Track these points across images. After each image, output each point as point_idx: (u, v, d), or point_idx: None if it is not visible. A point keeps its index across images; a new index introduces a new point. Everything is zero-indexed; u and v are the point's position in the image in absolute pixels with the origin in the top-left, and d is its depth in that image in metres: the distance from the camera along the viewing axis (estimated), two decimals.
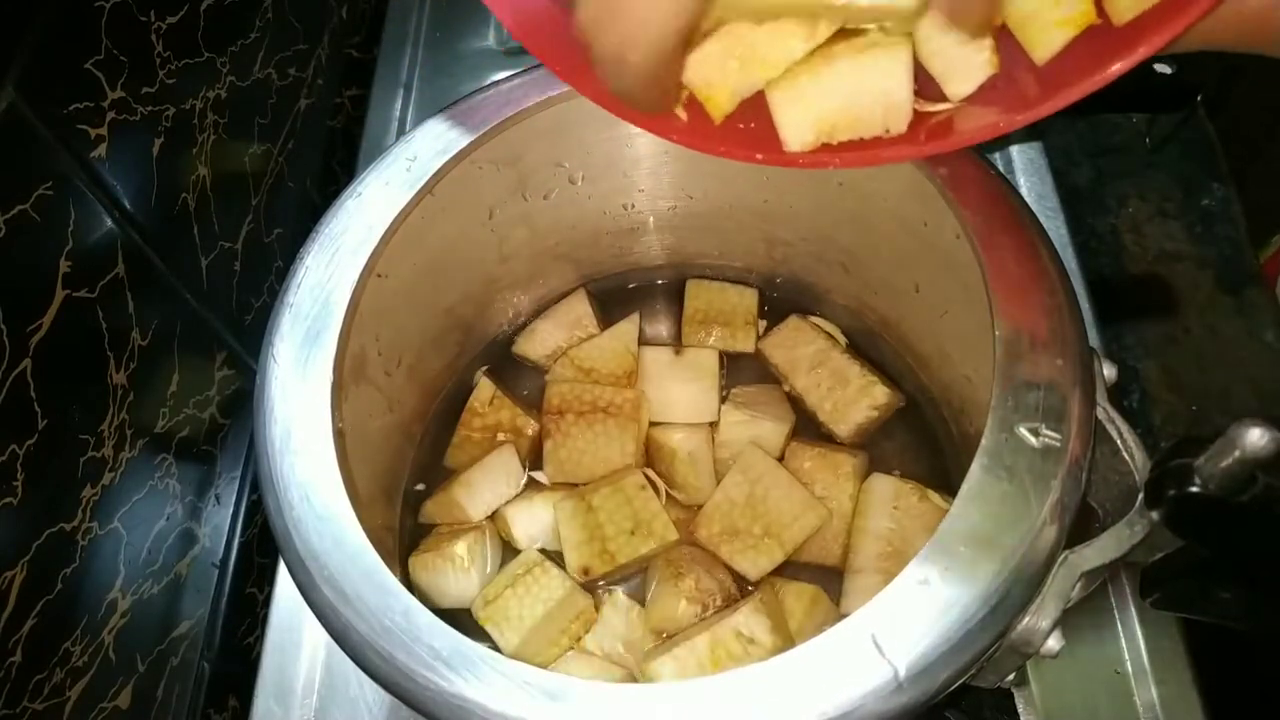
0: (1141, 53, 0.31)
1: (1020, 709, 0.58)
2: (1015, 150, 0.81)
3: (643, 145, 0.58)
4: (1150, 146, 0.84)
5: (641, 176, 0.60)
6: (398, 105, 0.89)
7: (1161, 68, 0.68)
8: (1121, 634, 0.60)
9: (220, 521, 0.67)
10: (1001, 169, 0.54)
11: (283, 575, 0.66)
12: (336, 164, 0.88)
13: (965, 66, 0.34)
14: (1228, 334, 0.76)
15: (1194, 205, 0.81)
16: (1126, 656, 0.59)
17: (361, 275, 0.47)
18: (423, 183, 0.49)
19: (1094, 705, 0.58)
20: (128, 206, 0.54)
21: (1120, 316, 0.76)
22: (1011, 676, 0.43)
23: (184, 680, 0.62)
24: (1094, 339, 0.71)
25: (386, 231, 0.48)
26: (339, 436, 0.43)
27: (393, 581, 0.38)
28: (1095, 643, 0.59)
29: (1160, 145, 0.84)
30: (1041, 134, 0.82)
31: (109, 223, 0.53)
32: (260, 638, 0.64)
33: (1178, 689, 0.58)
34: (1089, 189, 0.82)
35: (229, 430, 0.67)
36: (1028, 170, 0.80)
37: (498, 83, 0.52)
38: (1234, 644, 0.59)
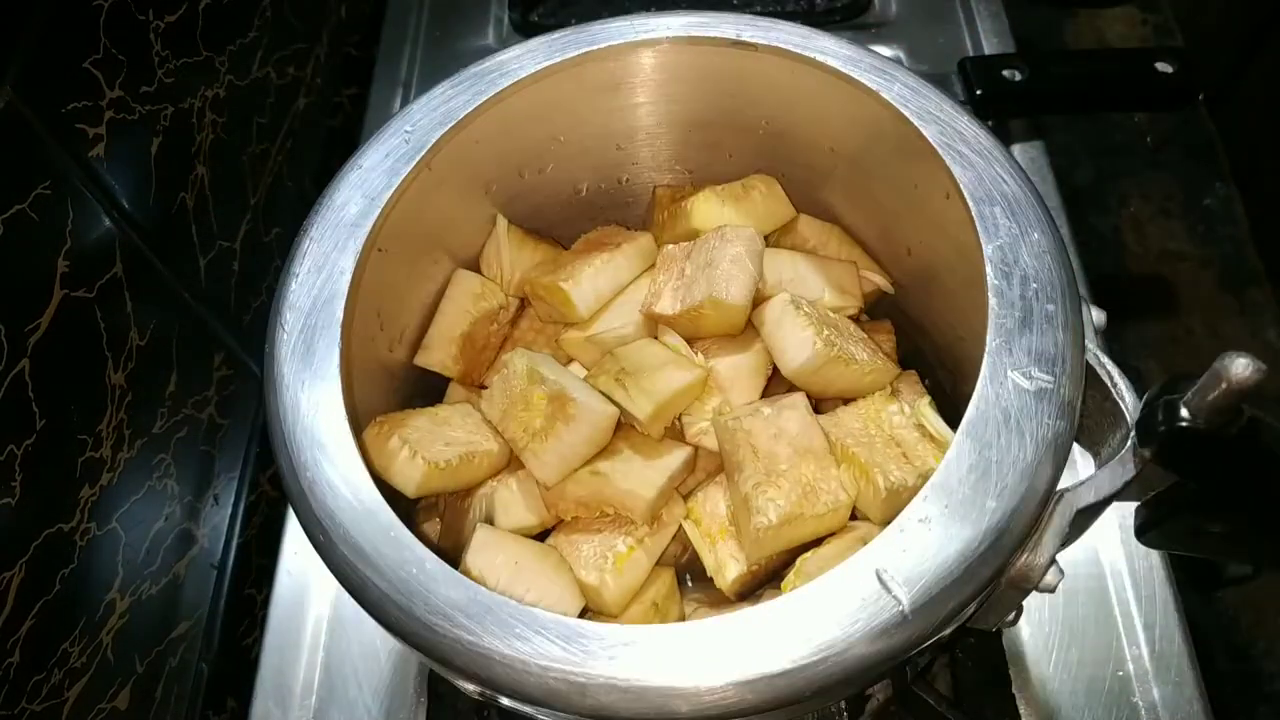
0: None
1: (1022, 710, 0.57)
2: (1016, 149, 0.81)
3: (638, 118, 0.58)
4: (1152, 146, 0.84)
5: (637, 150, 0.60)
6: (397, 105, 0.89)
7: (1163, 67, 0.68)
8: (1124, 636, 0.59)
9: (219, 522, 0.67)
10: None
11: (281, 576, 0.65)
12: (335, 164, 0.87)
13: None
14: (1229, 333, 0.76)
15: (1195, 205, 0.81)
16: (1129, 658, 0.59)
17: (364, 248, 0.47)
18: (421, 155, 0.49)
19: (1096, 707, 0.58)
20: (126, 206, 0.54)
21: (1122, 316, 0.76)
22: (1010, 617, 0.45)
23: (182, 681, 0.62)
24: (1095, 338, 0.70)
25: (386, 206, 0.49)
26: (349, 399, 0.43)
27: (408, 536, 0.39)
28: (1098, 644, 0.59)
29: (1162, 145, 0.84)
30: (1043, 133, 0.82)
31: (107, 222, 0.52)
32: (259, 639, 0.64)
33: (1180, 690, 0.58)
34: (1090, 188, 0.82)
35: (227, 430, 0.67)
36: (1029, 169, 0.79)
37: (495, 54, 0.53)
38: (1237, 646, 0.59)
